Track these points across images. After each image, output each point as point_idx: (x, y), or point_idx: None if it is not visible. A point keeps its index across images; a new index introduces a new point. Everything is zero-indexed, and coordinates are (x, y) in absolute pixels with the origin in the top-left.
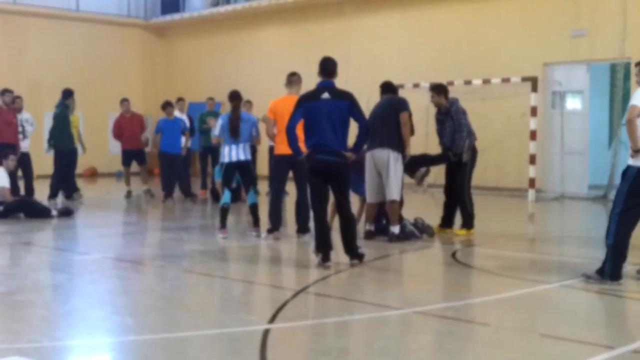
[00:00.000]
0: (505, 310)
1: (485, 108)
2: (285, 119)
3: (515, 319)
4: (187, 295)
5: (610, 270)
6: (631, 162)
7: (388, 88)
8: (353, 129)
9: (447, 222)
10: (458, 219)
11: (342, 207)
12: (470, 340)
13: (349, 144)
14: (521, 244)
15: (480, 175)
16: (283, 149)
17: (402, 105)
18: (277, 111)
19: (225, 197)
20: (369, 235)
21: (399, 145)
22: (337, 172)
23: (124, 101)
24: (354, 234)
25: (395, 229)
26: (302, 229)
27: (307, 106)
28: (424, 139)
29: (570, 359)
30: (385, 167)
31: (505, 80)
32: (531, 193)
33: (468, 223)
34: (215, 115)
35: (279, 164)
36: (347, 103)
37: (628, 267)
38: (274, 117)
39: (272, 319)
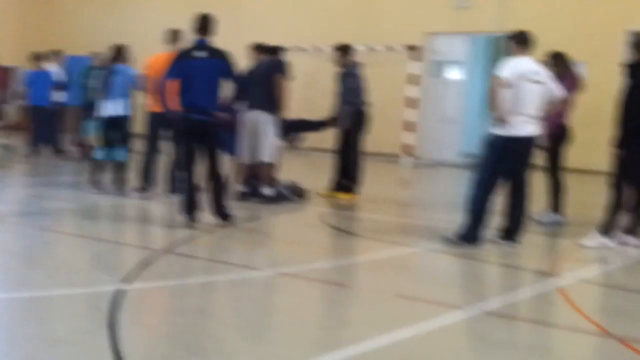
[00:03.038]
0: (366, 272)
1: (368, 75)
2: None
3: (375, 281)
4: (43, 254)
5: (470, 234)
6: (493, 130)
7: (265, 49)
8: None
9: (336, 186)
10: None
11: (212, 168)
12: (327, 300)
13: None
14: (392, 208)
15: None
16: (158, 106)
17: (277, 67)
18: (153, 68)
19: (99, 152)
20: (241, 197)
21: (273, 107)
22: (209, 131)
23: None
24: (223, 194)
25: (267, 191)
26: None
27: (181, 64)
28: (306, 103)
29: (420, 318)
30: (260, 129)
31: (389, 48)
32: (406, 159)
33: (353, 188)
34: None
35: (153, 121)
36: (222, 62)
37: (487, 232)
38: (149, 74)
39: (130, 279)
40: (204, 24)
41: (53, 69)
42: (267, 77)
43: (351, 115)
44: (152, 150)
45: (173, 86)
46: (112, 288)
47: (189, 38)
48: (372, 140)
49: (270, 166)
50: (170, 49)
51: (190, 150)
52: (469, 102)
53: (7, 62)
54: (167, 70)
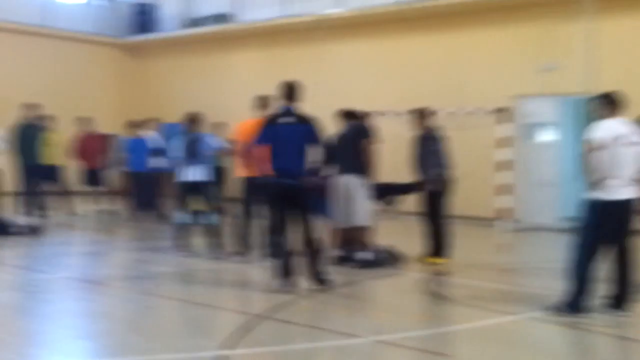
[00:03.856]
0: (468, 341)
1: (455, 139)
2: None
3: (476, 351)
4: (145, 318)
5: (573, 302)
6: (590, 195)
7: (350, 115)
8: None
9: (430, 250)
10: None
11: (306, 232)
12: None
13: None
14: (490, 273)
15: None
16: (248, 171)
17: (363, 132)
18: (242, 133)
19: (179, 216)
20: (337, 261)
21: (363, 171)
22: (299, 195)
23: (85, 120)
24: (318, 259)
25: (362, 255)
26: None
27: (268, 130)
28: (392, 167)
29: None
30: (352, 193)
31: (474, 112)
32: (502, 223)
33: (443, 253)
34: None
35: (245, 186)
36: (308, 127)
37: (592, 301)
38: (238, 139)
39: (229, 345)
40: (291, 91)
41: (150, 135)
42: (353, 141)
43: (438, 179)
44: (246, 215)
45: (262, 152)
46: (211, 354)
47: (277, 104)
48: (463, 203)
49: (365, 230)
50: (259, 115)
51: (282, 215)
52: (564, 165)
53: (106, 130)
54: (255, 136)
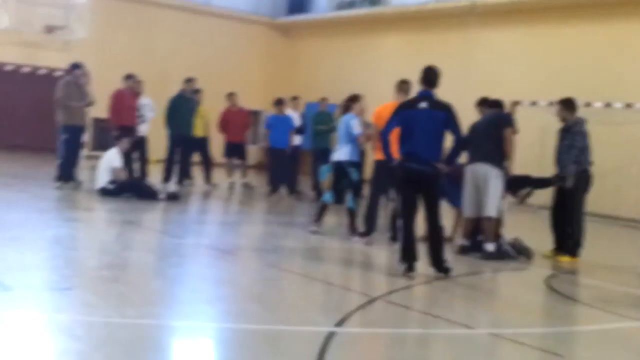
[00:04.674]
0: (586, 343)
1: (605, 133)
2: None
3: (593, 354)
4: (267, 289)
5: None
6: None
7: (492, 104)
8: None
9: (560, 247)
10: None
11: (432, 219)
12: None
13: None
14: (624, 277)
15: (595, 202)
16: (381, 154)
17: (506, 121)
18: (381, 117)
19: (327, 195)
20: (462, 250)
21: (500, 161)
22: (428, 182)
23: (231, 95)
24: (442, 247)
25: (490, 247)
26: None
27: (403, 114)
28: (539, 159)
29: None
30: (484, 183)
31: (628, 105)
32: None
33: (573, 250)
34: (328, 116)
35: (378, 169)
36: (444, 114)
37: None
38: (377, 122)
39: (341, 323)
40: (429, 76)
41: (292, 114)
42: (494, 130)
43: (576, 175)
44: (375, 197)
45: (395, 135)
46: (325, 329)
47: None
48: (612, 202)
49: (495, 221)
50: (399, 99)
51: (409, 199)
52: None
53: (252, 106)
54: (389, 119)
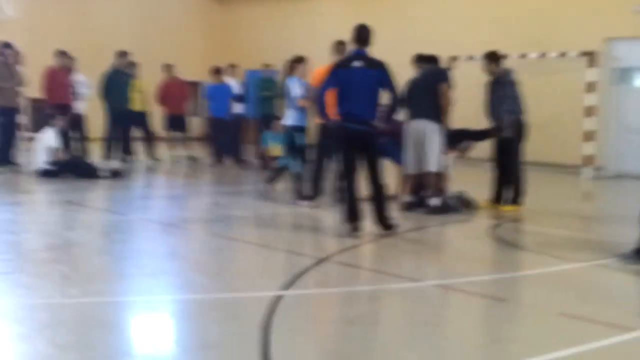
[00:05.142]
0: (530, 287)
1: (542, 83)
2: None
3: (536, 296)
4: (212, 259)
5: None
6: None
7: (427, 59)
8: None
9: (497, 197)
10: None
11: (373, 177)
12: (486, 316)
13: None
14: (566, 221)
15: (535, 151)
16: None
17: (442, 76)
18: (318, 79)
19: (282, 159)
20: (407, 207)
21: (438, 116)
22: (367, 141)
23: (168, 67)
24: (385, 204)
25: (434, 201)
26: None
27: (339, 73)
28: (478, 113)
29: (585, 339)
30: (425, 138)
31: (563, 55)
32: (586, 170)
33: (515, 199)
34: (272, 82)
35: (321, 132)
36: (378, 72)
37: None
38: (314, 85)
39: (288, 286)
40: (362, 34)
41: (232, 82)
42: (431, 86)
43: (511, 125)
44: (319, 160)
45: (331, 96)
46: (271, 294)
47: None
48: (550, 150)
49: (437, 176)
50: (335, 60)
51: (349, 160)
52: None
53: (191, 77)
54: (324, 81)
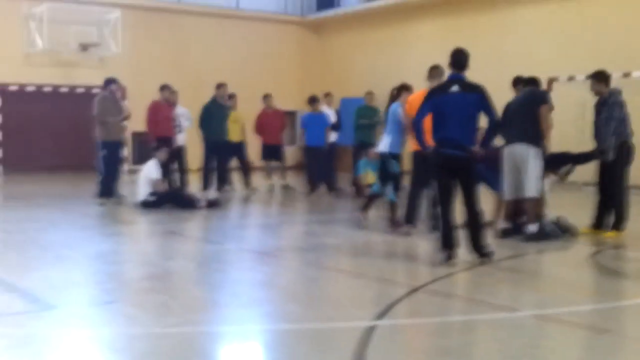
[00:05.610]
0: (633, 317)
1: None
2: None
3: None
4: (306, 288)
5: None
6: None
7: (526, 82)
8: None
9: (598, 223)
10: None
11: (470, 203)
12: (590, 347)
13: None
14: None
15: (632, 173)
16: (415, 144)
17: (542, 98)
18: (412, 106)
19: (375, 186)
20: (504, 234)
21: (537, 140)
22: (464, 167)
23: (267, 97)
24: (482, 232)
25: (533, 227)
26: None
27: (435, 99)
28: (579, 135)
29: None
30: (524, 163)
31: None
32: None
33: (618, 225)
34: (373, 109)
35: (415, 160)
36: (476, 96)
37: None
38: (409, 112)
39: (382, 315)
40: (458, 58)
41: (327, 111)
42: (530, 108)
43: (616, 148)
44: (415, 189)
45: (427, 122)
46: (365, 324)
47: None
48: None
49: (535, 201)
50: (431, 86)
51: (445, 186)
52: None
53: (288, 107)
54: (421, 106)
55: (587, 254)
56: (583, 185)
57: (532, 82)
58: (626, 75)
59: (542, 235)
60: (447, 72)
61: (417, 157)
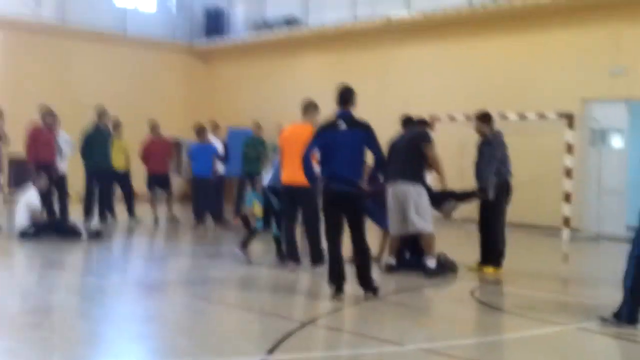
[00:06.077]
0: (513, 350)
1: (521, 143)
2: (293, 147)
3: None
4: (193, 322)
5: (627, 313)
6: None
7: (409, 121)
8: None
9: (484, 259)
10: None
11: (357, 239)
12: None
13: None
14: (545, 283)
15: (514, 212)
16: (286, 178)
17: (423, 137)
18: (284, 139)
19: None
20: (389, 269)
21: (421, 178)
22: (352, 202)
23: (154, 125)
24: (369, 266)
25: (431, 263)
26: (314, 258)
27: (323, 135)
28: (459, 172)
29: None
30: (409, 201)
31: (541, 116)
32: (566, 232)
33: (497, 261)
34: (260, 140)
35: (283, 194)
36: (363, 133)
37: None
38: (281, 146)
39: (272, 350)
40: (345, 95)
41: (215, 142)
42: (411, 147)
43: (497, 187)
44: (287, 222)
45: (315, 158)
46: (257, 358)
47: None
48: (531, 211)
49: (432, 236)
50: (306, 121)
51: (333, 221)
52: (631, 172)
53: (173, 135)
54: (311, 142)
55: (468, 290)
56: (462, 222)
57: (423, 123)
58: (503, 117)
59: (442, 270)
60: (330, 108)
61: (284, 192)
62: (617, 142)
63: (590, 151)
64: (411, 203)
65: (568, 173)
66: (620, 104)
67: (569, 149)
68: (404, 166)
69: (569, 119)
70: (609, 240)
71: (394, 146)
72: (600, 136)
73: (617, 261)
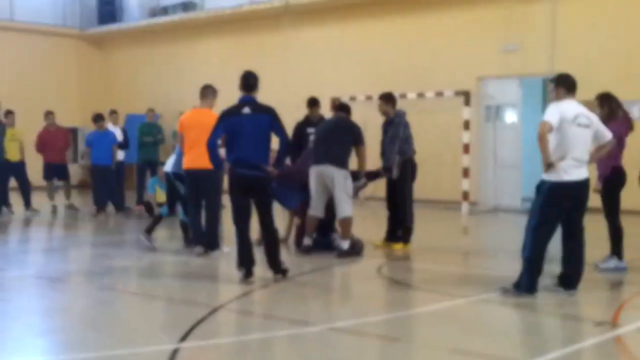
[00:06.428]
0: (421, 325)
1: (421, 122)
2: (194, 132)
3: (429, 334)
4: (101, 313)
5: (526, 283)
6: (544, 176)
7: (342, 108)
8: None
9: (391, 236)
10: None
11: (265, 222)
12: (380, 356)
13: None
14: (448, 257)
15: (417, 188)
16: (188, 163)
17: (361, 139)
18: (184, 125)
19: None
20: (307, 250)
21: (345, 163)
22: (259, 186)
23: (49, 114)
24: (278, 249)
25: (345, 244)
26: (210, 245)
27: (228, 121)
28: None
29: None
30: (336, 184)
31: (439, 94)
32: (465, 206)
33: (405, 238)
34: (155, 126)
35: (187, 179)
36: (267, 117)
37: (544, 280)
38: (181, 131)
39: (184, 337)
40: (248, 80)
41: (113, 129)
42: (341, 135)
43: (401, 165)
44: (195, 207)
45: (222, 142)
46: (169, 347)
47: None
48: (432, 187)
49: (350, 220)
50: (203, 105)
51: (241, 205)
52: (526, 146)
53: (71, 124)
54: (215, 127)
55: (376, 267)
56: (365, 200)
57: (344, 108)
58: (402, 96)
59: (354, 252)
60: (231, 92)
61: (188, 176)
62: (511, 117)
63: (486, 127)
64: (338, 186)
65: (466, 149)
66: (514, 80)
67: (466, 125)
68: (333, 151)
69: (466, 96)
70: (506, 212)
71: (325, 129)
72: (495, 112)
73: (514, 232)
